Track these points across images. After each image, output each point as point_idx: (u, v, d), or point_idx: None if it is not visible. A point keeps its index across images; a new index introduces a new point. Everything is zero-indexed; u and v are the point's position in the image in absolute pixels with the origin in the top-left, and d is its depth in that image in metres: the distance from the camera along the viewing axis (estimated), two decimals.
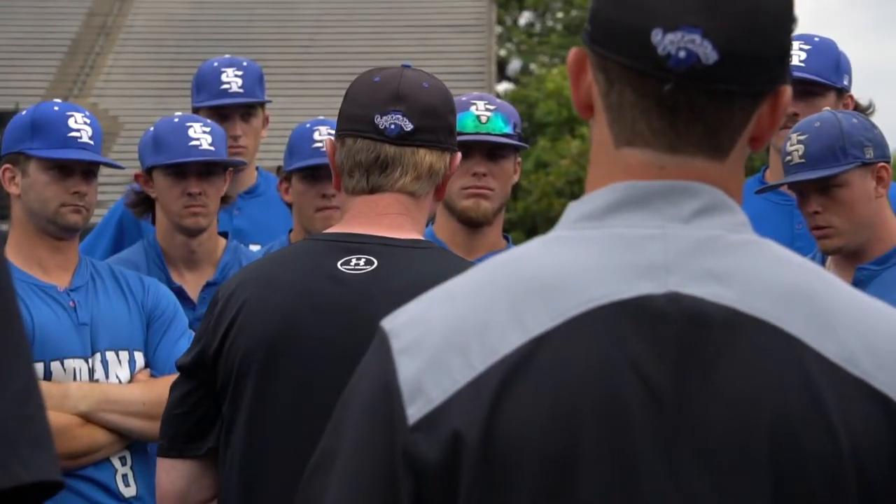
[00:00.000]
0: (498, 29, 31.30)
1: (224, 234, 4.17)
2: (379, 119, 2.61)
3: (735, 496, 1.41)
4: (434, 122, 2.64)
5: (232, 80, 4.69)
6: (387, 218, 2.62)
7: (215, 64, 4.77)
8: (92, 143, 3.61)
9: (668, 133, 1.49)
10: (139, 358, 3.55)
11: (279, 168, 4.45)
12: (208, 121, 4.11)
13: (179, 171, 3.96)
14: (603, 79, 1.51)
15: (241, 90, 4.70)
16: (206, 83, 4.74)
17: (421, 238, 2.65)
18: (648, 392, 1.42)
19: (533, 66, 32.57)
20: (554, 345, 1.43)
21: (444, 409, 1.43)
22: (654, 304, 1.44)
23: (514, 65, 32.88)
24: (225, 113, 4.57)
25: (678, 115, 1.48)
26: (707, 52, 1.45)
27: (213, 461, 2.68)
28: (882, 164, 3.49)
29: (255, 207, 4.38)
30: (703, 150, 1.50)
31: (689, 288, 1.45)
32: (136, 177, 4.08)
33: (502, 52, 32.18)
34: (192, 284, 4.07)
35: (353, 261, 2.58)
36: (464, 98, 3.71)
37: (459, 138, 3.58)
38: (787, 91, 1.53)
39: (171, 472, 2.70)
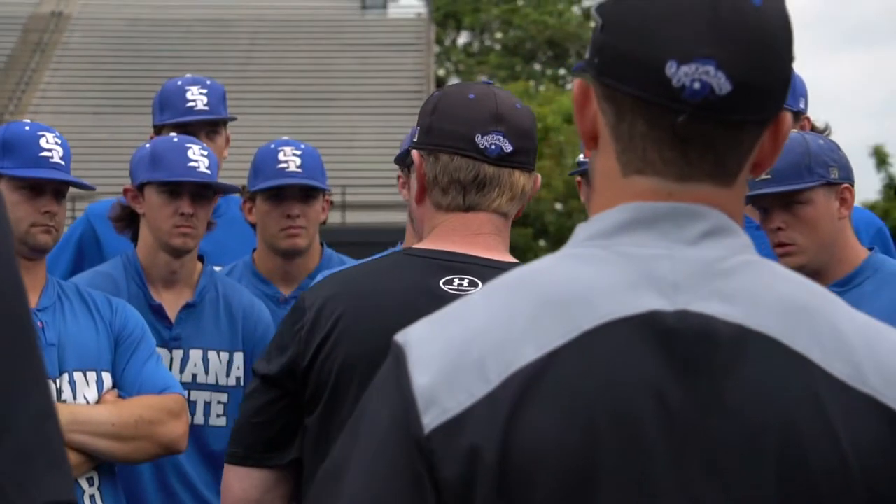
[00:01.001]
0: (436, 48, 31.37)
1: (200, 258, 4.17)
2: (480, 139, 2.63)
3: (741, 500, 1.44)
4: (528, 144, 2.68)
5: (197, 97, 4.72)
6: (481, 238, 2.64)
7: (179, 83, 4.80)
8: (63, 163, 3.61)
9: (679, 162, 1.52)
10: (107, 378, 3.54)
11: (243, 188, 4.46)
12: (205, 145, 4.13)
13: (174, 190, 3.97)
14: (612, 110, 1.53)
15: (206, 107, 4.73)
16: (170, 101, 4.76)
17: (518, 261, 2.66)
18: (660, 406, 1.44)
19: None
20: (567, 359, 1.45)
21: (460, 422, 1.45)
22: (664, 320, 1.46)
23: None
24: (190, 130, 4.57)
25: (690, 145, 1.51)
26: (721, 83, 1.48)
27: (289, 472, 2.65)
28: (846, 185, 3.54)
29: (217, 229, 4.39)
30: (712, 178, 1.53)
31: (698, 306, 1.47)
32: (125, 191, 4.08)
33: (441, 72, 32.24)
34: (170, 304, 4.06)
35: (457, 281, 2.59)
36: None
37: None
38: (788, 117, 1.57)
39: (246, 481, 2.65)
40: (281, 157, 4.36)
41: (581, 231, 1.56)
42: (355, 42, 31.13)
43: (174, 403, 3.65)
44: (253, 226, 4.51)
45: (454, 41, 35.11)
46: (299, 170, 4.36)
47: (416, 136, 2.73)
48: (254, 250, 4.56)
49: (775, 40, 1.52)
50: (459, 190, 2.64)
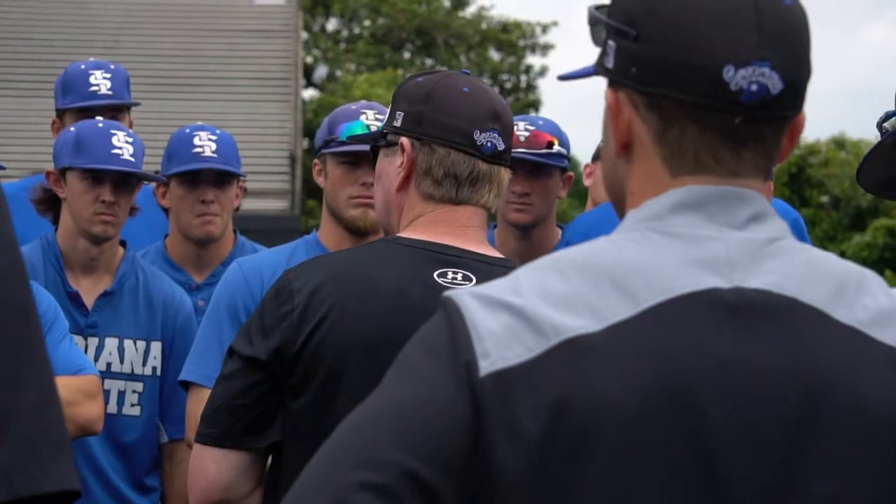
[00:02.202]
0: (304, 35, 31.22)
1: (122, 243, 4.11)
2: (478, 135, 2.67)
3: (805, 469, 1.50)
4: (511, 143, 2.74)
5: (100, 82, 4.67)
6: (470, 231, 2.67)
7: (82, 66, 4.74)
8: None
9: (732, 161, 1.59)
10: None
11: (156, 172, 4.40)
12: (131, 132, 4.07)
13: (97, 177, 3.92)
14: (657, 117, 1.59)
15: (109, 92, 4.67)
16: (73, 85, 4.69)
17: (508, 258, 2.71)
18: (723, 375, 1.49)
19: (339, 74, 32.55)
20: (631, 334, 1.49)
21: (516, 372, 1.47)
22: (722, 295, 1.52)
23: (321, 71, 32.80)
24: (92, 115, 4.50)
25: (743, 145, 1.58)
26: (775, 83, 1.56)
27: (263, 454, 2.63)
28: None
29: None
30: (760, 172, 1.61)
31: (752, 282, 1.54)
32: (47, 174, 4.02)
33: (309, 59, 32.11)
34: (88, 290, 4.02)
35: (451, 274, 2.60)
36: (354, 107, 3.72)
37: (349, 147, 3.61)
38: (803, 114, 1.65)
39: (222, 463, 2.62)
40: (196, 141, 4.32)
41: (631, 216, 1.62)
42: (223, 28, 30.88)
43: (89, 384, 3.60)
44: (166, 211, 4.45)
45: (322, 28, 35.00)
46: (214, 155, 4.33)
47: (400, 121, 2.72)
48: (166, 236, 4.51)
49: (806, 37, 1.61)
50: (454, 184, 2.67)
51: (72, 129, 4.04)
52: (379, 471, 1.46)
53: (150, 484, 4.12)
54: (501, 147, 2.69)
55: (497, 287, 1.54)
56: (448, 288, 2.55)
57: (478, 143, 2.67)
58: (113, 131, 3.99)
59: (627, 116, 1.61)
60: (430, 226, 2.67)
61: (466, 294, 1.53)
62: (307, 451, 2.56)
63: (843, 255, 27.18)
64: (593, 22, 1.67)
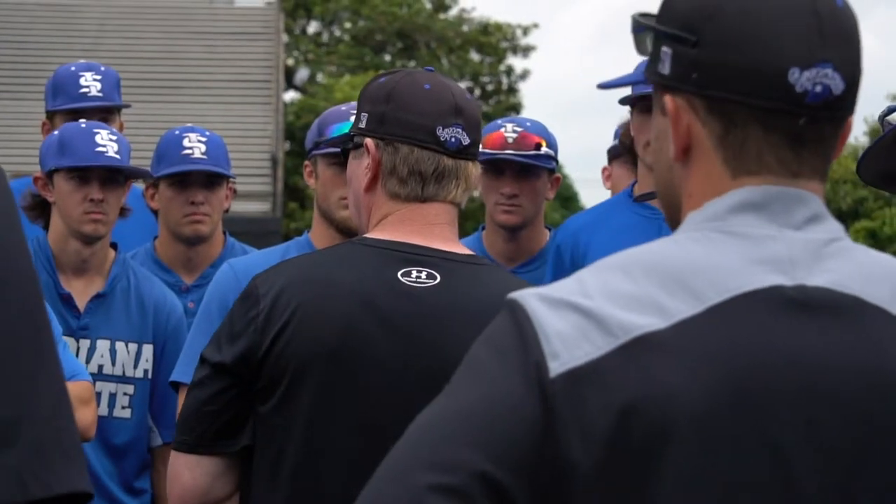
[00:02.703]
0: (285, 38, 31.21)
1: (114, 245, 4.10)
2: (441, 131, 2.66)
3: (872, 466, 1.51)
4: (479, 136, 2.73)
5: (91, 83, 4.67)
6: (437, 228, 2.65)
7: (73, 68, 4.74)
8: None
9: (794, 162, 1.61)
10: None
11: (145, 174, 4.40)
12: (115, 129, 4.07)
13: (83, 176, 3.92)
14: (719, 121, 1.60)
15: (99, 94, 4.68)
16: (63, 87, 4.70)
17: (475, 254, 2.69)
18: (792, 370, 1.51)
19: (321, 76, 32.54)
20: (697, 329, 1.51)
21: (585, 371, 1.48)
22: (786, 293, 1.54)
23: (302, 74, 32.79)
24: (83, 117, 4.50)
25: (805, 145, 1.60)
26: (837, 84, 1.59)
27: (237, 458, 2.64)
28: None
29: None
30: (819, 173, 1.63)
31: (815, 280, 1.55)
32: (35, 179, 4.01)
33: (290, 61, 32.09)
34: (80, 292, 4.01)
35: (415, 273, 2.59)
36: (343, 108, 3.72)
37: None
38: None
39: (196, 469, 2.64)
40: (185, 143, 4.32)
41: (692, 217, 1.63)
42: (203, 30, 30.82)
43: (83, 390, 3.60)
44: (155, 212, 4.45)
45: (304, 30, 34.97)
46: (204, 156, 4.32)
47: (364, 122, 2.72)
48: (155, 238, 4.51)
49: (859, 38, 1.63)
50: (419, 181, 2.66)
51: (55, 132, 4.04)
52: (450, 472, 1.46)
53: (140, 486, 4.11)
54: (466, 141, 2.68)
55: (562, 288, 1.55)
56: (412, 287, 2.57)
57: (441, 140, 2.66)
58: (96, 130, 3.98)
59: (686, 121, 1.62)
60: (396, 225, 2.66)
61: (531, 295, 1.54)
62: (277, 454, 2.57)
63: None
64: (639, 29, 1.68)
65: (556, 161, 4.47)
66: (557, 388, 1.47)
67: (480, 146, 4.29)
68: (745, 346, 1.50)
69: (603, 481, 1.46)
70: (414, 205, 2.67)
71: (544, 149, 4.36)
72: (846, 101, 1.60)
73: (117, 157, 3.94)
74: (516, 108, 33.93)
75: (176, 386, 3.39)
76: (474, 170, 2.72)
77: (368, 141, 2.70)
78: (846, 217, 30.60)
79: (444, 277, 2.59)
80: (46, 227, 4.04)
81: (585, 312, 1.51)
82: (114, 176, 3.95)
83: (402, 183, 2.67)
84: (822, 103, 1.58)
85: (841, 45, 1.59)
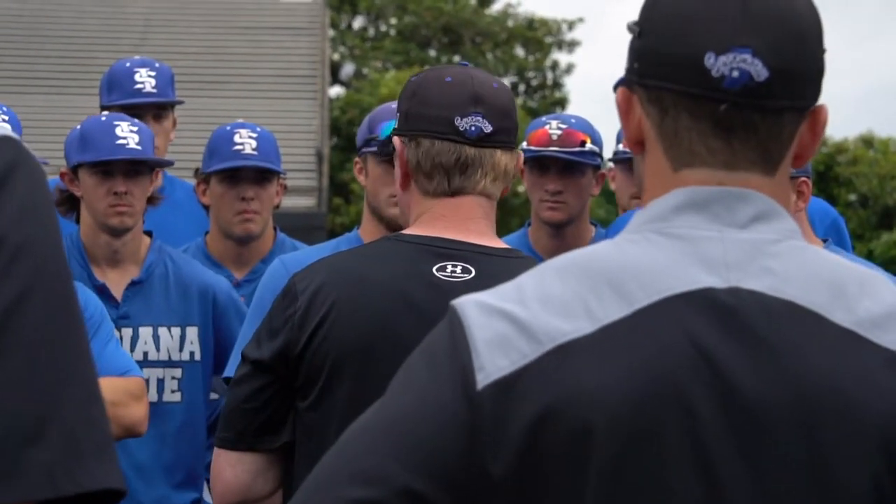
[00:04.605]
0: (331, 33, 31.24)
1: (148, 233, 4.13)
2: (459, 121, 2.64)
3: (794, 471, 1.49)
4: (508, 123, 2.68)
5: (145, 80, 4.70)
6: (472, 223, 2.64)
7: (127, 64, 4.78)
8: None
9: (725, 152, 1.58)
10: None
11: (197, 170, 4.44)
12: (136, 120, 4.08)
13: (106, 170, 3.94)
14: (656, 110, 1.60)
15: (154, 90, 4.71)
16: (118, 83, 4.74)
17: (511, 247, 2.67)
18: (715, 375, 1.49)
19: (366, 71, 32.54)
20: (622, 333, 1.50)
21: (509, 381, 1.48)
22: (717, 296, 1.52)
23: (348, 69, 32.80)
24: (137, 112, 4.54)
25: (734, 134, 1.57)
26: (758, 70, 1.55)
27: (279, 455, 2.66)
28: (803, 179, 3.63)
29: (158, 210, 4.37)
30: (757, 166, 1.59)
31: (749, 283, 1.53)
32: (62, 175, 4.03)
33: (335, 56, 32.12)
34: (115, 283, 4.03)
35: (450, 268, 2.59)
36: (394, 105, 3.76)
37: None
38: (825, 109, 1.63)
39: (238, 466, 2.67)
40: (237, 139, 4.35)
41: (637, 217, 1.62)
42: (249, 25, 30.90)
43: (135, 386, 3.64)
44: (206, 208, 4.49)
45: (349, 25, 34.97)
46: (255, 152, 4.35)
47: (396, 122, 2.73)
48: (206, 233, 4.54)
49: (806, 28, 1.59)
50: (444, 174, 2.65)
51: (77, 127, 4.06)
52: (374, 486, 1.47)
53: (198, 469, 4.12)
54: (489, 129, 2.64)
55: (501, 294, 1.55)
56: (447, 282, 2.57)
57: (460, 129, 2.63)
58: (116, 122, 3.99)
59: (638, 113, 1.63)
60: (431, 221, 2.66)
61: (470, 302, 1.54)
62: (315, 451, 2.61)
63: (870, 253, 27.08)
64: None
65: (601, 157, 4.48)
66: (484, 398, 1.48)
67: (526, 143, 4.34)
68: (669, 349, 1.49)
69: (525, 490, 1.47)
70: (444, 199, 2.66)
71: (589, 145, 4.38)
72: (778, 90, 1.56)
73: (139, 148, 3.95)
74: (562, 103, 33.84)
75: (229, 381, 3.43)
76: (505, 158, 2.68)
77: (395, 139, 2.71)
78: (893, 213, 30.36)
79: (480, 271, 2.59)
80: (78, 221, 4.07)
81: (515, 320, 1.51)
82: (137, 167, 3.97)
83: (429, 178, 2.66)
84: (742, 89, 1.54)
85: (768, 32, 1.55)
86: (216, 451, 2.71)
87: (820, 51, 1.61)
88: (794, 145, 1.62)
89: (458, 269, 2.60)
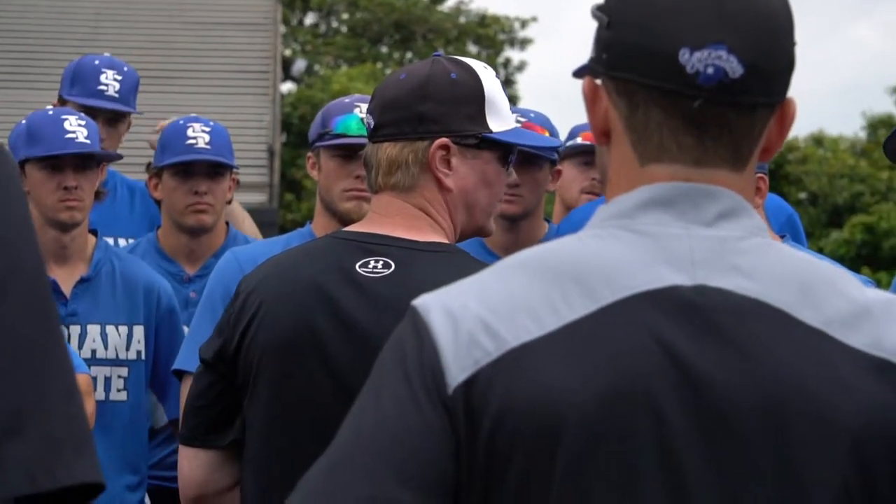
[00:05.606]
0: (283, 28, 31.16)
1: (93, 232, 4.09)
2: (366, 119, 2.71)
3: (761, 473, 1.48)
4: (392, 116, 2.64)
5: (110, 82, 4.67)
6: (398, 218, 2.63)
7: (97, 62, 4.75)
8: None
9: (696, 148, 1.57)
10: None
11: (149, 164, 4.40)
12: (83, 114, 4.05)
13: (55, 164, 3.90)
14: (625, 102, 1.58)
15: (116, 94, 4.68)
16: (82, 78, 4.70)
17: (442, 241, 2.64)
18: (681, 374, 1.48)
19: (318, 67, 32.49)
20: (587, 331, 1.49)
21: (475, 380, 1.48)
22: (683, 294, 1.51)
23: (300, 65, 32.74)
24: (93, 113, 4.51)
25: (706, 130, 1.56)
26: (733, 66, 1.54)
27: (234, 451, 2.68)
28: (760, 175, 3.61)
29: (99, 206, 4.32)
30: (727, 162, 1.58)
31: (716, 281, 1.52)
32: None
33: (287, 52, 32.04)
34: (63, 279, 4.00)
35: (372, 263, 2.59)
36: (347, 100, 3.74)
37: (343, 141, 3.63)
38: (793, 103, 1.62)
39: (193, 461, 2.71)
40: (189, 133, 4.32)
41: (601, 212, 1.60)
42: (201, 20, 30.84)
43: (82, 383, 3.60)
44: (158, 202, 4.45)
45: (301, 21, 34.91)
46: (208, 146, 4.33)
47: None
48: (157, 227, 4.51)
49: (780, 24, 1.58)
50: (368, 172, 2.68)
51: (22, 121, 4.02)
52: None
53: (141, 467, 4.11)
54: (371, 123, 2.67)
55: (463, 292, 1.53)
56: (367, 277, 2.55)
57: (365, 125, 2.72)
58: (64, 117, 3.96)
59: (605, 104, 1.61)
60: (369, 217, 2.69)
61: (432, 302, 1.53)
62: (256, 449, 2.60)
63: (820, 251, 27.23)
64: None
65: (559, 153, 4.46)
66: (456, 401, 1.47)
67: None
68: (635, 347, 1.48)
69: (493, 488, 1.47)
70: (374, 196, 2.69)
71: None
72: (752, 87, 1.55)
73: (88, 142, 3.93)
74: (513, 100, 33.80)
75: (179, 374, 3.40)
76: (393, 150, 2.63)
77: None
78: (843, 212, 30.59)
79: (399, 266, 2.57)
80: None
81: (478, 319, 1.49)
82: (86, 162, 3.94)
83: (364, 178, 2.75)
84: (717, 86, 1.53)
85: (743, 28, 1.54)
86: (179, 446, 2.77)
87: (791, 45, 1.60)
88: (763, 140, 1.61)
89: (380, 265, 2.59)
